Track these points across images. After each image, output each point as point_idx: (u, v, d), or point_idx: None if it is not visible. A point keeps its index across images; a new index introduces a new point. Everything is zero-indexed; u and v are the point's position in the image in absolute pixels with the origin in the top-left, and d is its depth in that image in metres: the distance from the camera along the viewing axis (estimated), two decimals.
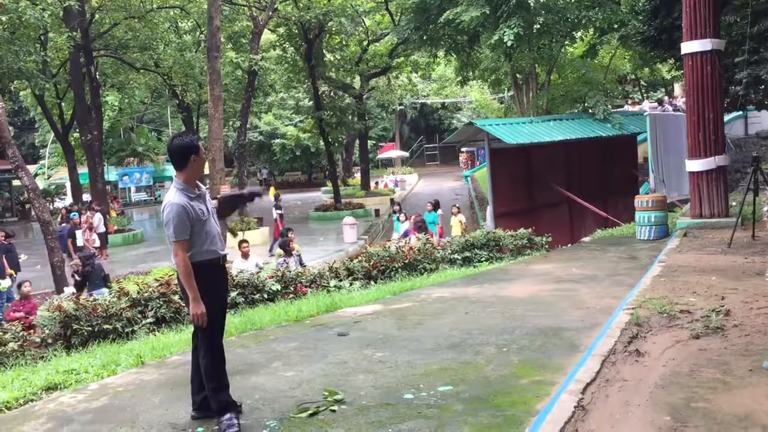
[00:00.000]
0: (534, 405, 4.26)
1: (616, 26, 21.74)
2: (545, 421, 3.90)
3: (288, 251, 13.10)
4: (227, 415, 4.14)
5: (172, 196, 4.24)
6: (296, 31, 29.65)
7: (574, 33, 22.66)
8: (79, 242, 17.99)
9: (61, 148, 32.55)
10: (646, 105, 28.46)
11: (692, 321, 5.90)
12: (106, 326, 7.55)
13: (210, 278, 4.31)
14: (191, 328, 7.54)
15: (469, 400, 4.44)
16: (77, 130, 30.80)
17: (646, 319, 6.02)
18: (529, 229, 13.04)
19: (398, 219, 17.63)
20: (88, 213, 21.39)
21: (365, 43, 33.71)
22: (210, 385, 4.25)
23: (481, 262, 11.66)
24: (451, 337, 6.11)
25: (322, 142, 35.95)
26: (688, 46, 11.78)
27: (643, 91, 38.48)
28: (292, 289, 9.43)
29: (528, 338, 5.90)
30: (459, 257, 11.71)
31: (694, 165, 11.94)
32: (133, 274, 15.96)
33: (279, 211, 22.99)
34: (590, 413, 4.04)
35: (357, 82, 36.14)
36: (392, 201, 34.83)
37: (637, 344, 5.38)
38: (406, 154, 60.99)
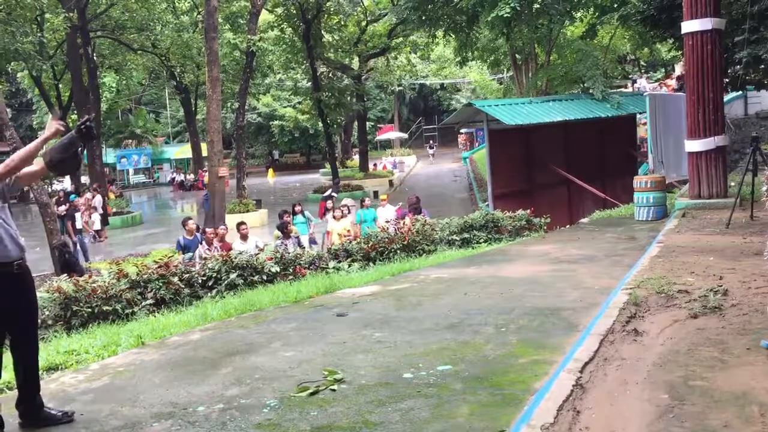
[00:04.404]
0: (532, 384, 4.28)
1: (615, 5, 21.61)
2: (544, 399, 3.92)
3: (286, 233, 13.12)
4: None
5: None
6: (294, 11, 29.50)
7: (573, 12, 22.53)
8: (78, 224, 18.00)
9: None
10: (644, 83, 28.37)
11: (690, 301, 5.92)
12: (105, 308, 7.58)
13: None
14: (192, 309, 7.60)
15: (468, 379, 4.46)
16: (75, 111, 30.73)
17: (644, 299, 6.04)
18: (528, 210, 13.05)
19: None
20: (88, 194, 21.41)
21: (364, 23, 33.55)
22: None
23: (480, 243, 11.68)
24: (449, 318, 6.13)
25: (320, 124, 35.90)
26: (688, 26, 11.71)
27: (642, 71, 38.36)
28: (291, 270, 9.45)
29: (526, 318, 5.92)
30: (458, 238, 11.73)
31: (694, 145, 11.91)
32: (133, 256, 16.01)
33: (334, 194, 23.44)
34: (588, 391, 4.06)
35: (355, 63, 36.01)
36: (391, 183, 34.86)
37: (635, 324, 5.40)
38: (405, 135, 60.89)
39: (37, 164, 4.28)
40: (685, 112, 12.23)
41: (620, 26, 24.46)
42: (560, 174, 18.05)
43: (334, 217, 14.38)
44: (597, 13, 23.20)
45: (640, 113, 19.27)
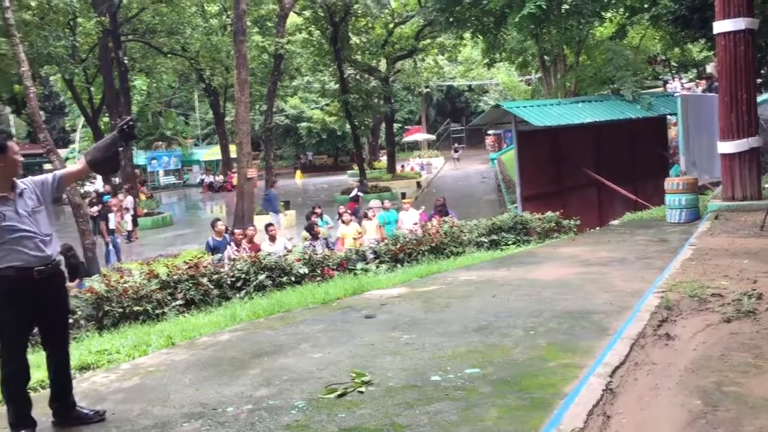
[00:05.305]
0: (562, 388, 4.23)
1: (646, 6, 21.34)
2: (573, 403, 3.88)
3: (314, 234, 13.18)
4: None
5: None
6: (322, 14, 29.61)
7: (603, 13, 22.29)
8: (112, 224, 18.24)
9: (91, 132, 32.98)
10: (677, 85, 27.99)
11: (723, 305, 5.82)
12: (136, 308, 7.68)
13: (10, 291, 3.93)
14: (221, 310, 7.66)
15: (497, 382, 4.43)
16: (107, 114, 31.19)
17: (676, 303, 5.95)
18: (557, 212, 12.94)
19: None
20: (120, 196, 21.72)
21: (391, 25, 33.57)
22: (3, 396, 4.10)
23: (508, 245, 11.61)
24: (478, 320, 6.10)
25: (348, 126, 35.99)
26: (720, 26, 11.53)
27: (673, 71, 37.81)
28: (319, 271, 9.49)
29: (556, 321, 5.86)
30: (486, 240, 11.67)
31: (726, 147, 11.71)
32: (163, 256, 16.18)
33: (359, 193, 23.76)
34: (619, 396, 4.01)
35: (383, 65, 36.04)
36: (418, 184, 34.83)
37: (667, 328, 5.32)
38: (433, 137, 60.79)
39: (80, 163, 4.36)
40: (718, 113, 12.04)
41: (651, 26, 24.17)
42: (590, 176, 17.87)
43: (343, 222, 14.35)
44: (627, 14, 22.93)
45: (671, 114, 19.00)
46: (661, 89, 31.27)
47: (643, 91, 21.64)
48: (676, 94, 18.42)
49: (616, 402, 3.93)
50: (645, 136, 18.96)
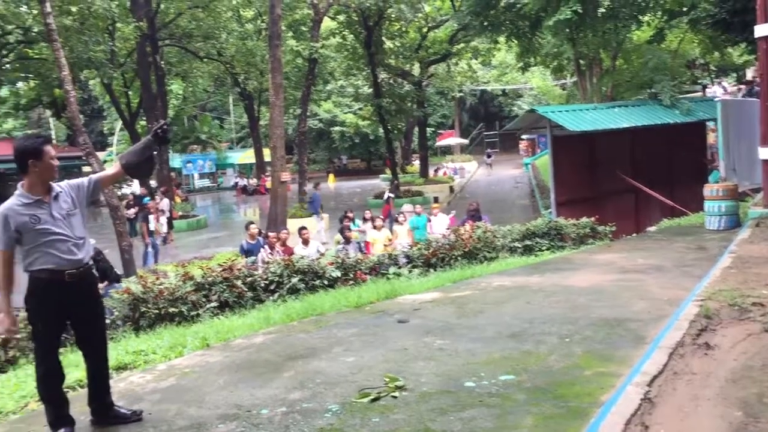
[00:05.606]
0: (598, 396, 4.18)
1: (685, 9, 21.00)
2: (610, 412, 3.83)
3: (347, 238, 13.21)
4: (60, 431, 4.04)
5: (5, 202, 4.02)
6: (356, 18, 29.71)
7: (640, 17, 21.99)
8: (152, 226, 18.46)
9: (129, 135, 33.53)
10: (717, 89, 27.49)
11: (765, 314, 5.68)
12: (172, 309, 7.76)
13: (45, 294, 4.00)
14: (254, 313, 7.71)
15: (532, 389, 4.39)
16: (144, 117, 31.69)
17: (716, 312, 5.83)
18: (592, 218, 12.79)
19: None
20: (157, 198, 22.03)
21: (425, 29, 33.54)
22: (40, 396, 4.16)
23: (543, 250, 11.49)
24: (512, 326, 6.05)
25: (381, 130, 36.03)
26: (762, 29, 11.29)
27: (712, 75, 37.14)
28: (351, 275, 9.49)
29: (592, 329, 5.79)
30: (520, 246, 11.58)
31: None
32: (197, 258, 16.33)
33: (391, 195, 23.85)
34: (658, 406, 3.94)
35: (416, 69, 36.03)
36: (451, 189, 34.72)
37: (706, 337, 5.22)
38: (466, 141, 60.57)
39: (114, 167, 4.42)
40: (759, 118, 11.79)
41: (690, 30, 23.77)
42: (626, 181, 17.62)
43: (375, 227, 14.32)
44: (665, 17, 22.59)
45: (711, 120, 18.65)
46: (699, 94, 30.74)
47: (682, 96, 21.30)
48: (716, 99, 18.06)
49: (654, 412, 3.86)
50: (683, 141, 18.64)
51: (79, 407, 4.29)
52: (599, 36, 21.42)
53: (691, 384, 4.27)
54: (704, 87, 34.27)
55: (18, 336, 3.94)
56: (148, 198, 22.67)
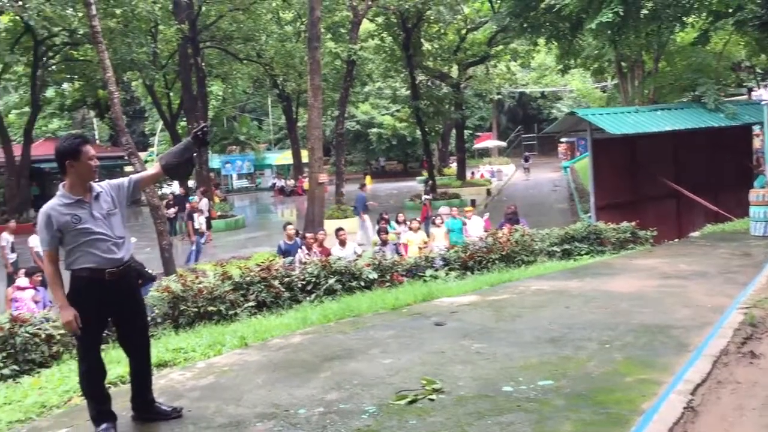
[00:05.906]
0: (639, 404, 4.10)
1: (731, 10, 20.54)
2: (652, 420, 3.76)
3: (384, 240, 13.21)
4: (102, 426, 4.07)
5: (48, 202, 4.09)
6: (395, 20, 29.75)
7: (684, 18, 21.58)
8: (197, 224, 18.68)
9: (169, 135, 34.07)
10: (763, 93, 26.80)
11: None
12: (210, 308, 7.85)
13: (86, 293, 4.06)
14: (292, 313, 7.76)
15: (571, 395, 4.33)
16: (184, 118, 32.19)
17: (761, 320, 5.70)
18: (633, 223, 12.59)
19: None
20: (196, 197, 22.33)
21: (463, 31, 33.40)
22: (82, 391, 4.20)
23: (582, 255, 11.36)
24: (550, 331, 5.98)
25: (418, 132, 35.97)
26: None
27: (758, 79, 36.26)
28: (388, 277, 9.49)
29: (632, 335, 5.69)
30: (558, 250, 11.45)
31: None
32: (235, 258, 16.49)
33: (428, 197, 23.88)
34: (701, 415, 3.86)
35: (454, 71, 35.90)
36: (488, 192, 34.51)
37: (751, 345, 5.10)
38: (503, 144, 60.19)
39: (154, 168, 4.49)
40: None
41: (735, 32, 23.25)
42: (668, 186, 17.30)
43: (411, 229, 14.27)
44: (710, 19, 22.13)
45: (757, 123, 18.21)
46: (745, 97, 30.05)
47: (726, 99, 20.85)
48: (762, 102, 17.62)
49: (697, 421, 3.79)
50: (727, 145, 18.24)
51: (121, 403, 4.36)
52: (642, 38, 21.08)
53: (735, 393, 4.17)
54: (750, 90, 33.44)
55: (77, 331, 3.99)
56: (194, 197, 23.01)
